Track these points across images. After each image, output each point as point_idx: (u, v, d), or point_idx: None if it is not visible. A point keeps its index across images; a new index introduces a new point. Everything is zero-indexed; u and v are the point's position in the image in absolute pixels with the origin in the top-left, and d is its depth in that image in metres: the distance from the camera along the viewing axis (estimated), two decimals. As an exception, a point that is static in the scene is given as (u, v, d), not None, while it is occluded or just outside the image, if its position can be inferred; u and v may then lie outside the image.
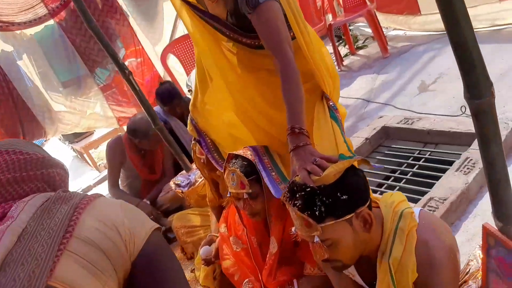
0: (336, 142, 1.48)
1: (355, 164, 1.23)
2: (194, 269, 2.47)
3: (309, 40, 1.54)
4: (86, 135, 5.79)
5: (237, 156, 1.64)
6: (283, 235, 1.66)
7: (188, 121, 2.10)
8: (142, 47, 4.73)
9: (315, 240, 1.13)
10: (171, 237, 2.95)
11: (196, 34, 1.69)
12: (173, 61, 4.79)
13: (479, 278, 1.27)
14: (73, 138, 5.80)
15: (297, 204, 1.12)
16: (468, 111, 2.64)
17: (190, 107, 2.06)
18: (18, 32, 4.33)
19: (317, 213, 1.09)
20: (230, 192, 1.64)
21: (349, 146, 1.51)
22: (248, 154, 1.63)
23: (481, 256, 1.23)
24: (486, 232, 1.17)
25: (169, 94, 3.22)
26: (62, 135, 5.87)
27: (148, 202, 3.10)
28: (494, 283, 1.20)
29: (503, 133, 2.20)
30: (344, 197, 1.09)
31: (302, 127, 1.29)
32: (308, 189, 1.11)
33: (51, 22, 4.35)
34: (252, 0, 1.42)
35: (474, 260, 1.34)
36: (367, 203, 1.15)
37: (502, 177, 1.12)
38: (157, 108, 3.31)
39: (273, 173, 1.56)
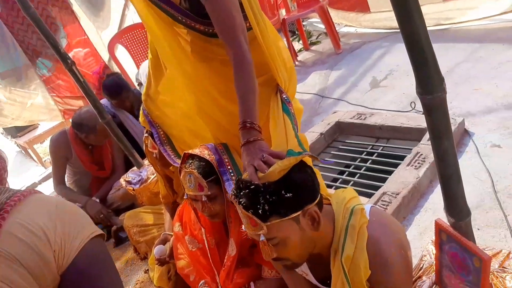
0: (286, 136, 1.44)
1: (308, 161, 1.20)
2: (148, 269, 2.39)
3: (266, 31, 1.49)
4: (30, 129, 5.46)
5: (193, 156, 1.55)
6: (242, 237, 1.61)
7: (140, 112, 2.00)
8: (88, 37, 4.49)
9: (261, 239, 1.09)
10: (123, 236, 2.84)
11: (149, 19, 1.58)
12: (121, 52, 4.60)
13: (433, 274, 1.29)
14: (16, 132, 5.46)
15: (242, 202, 1.09)
16: (418, 107, 2.72)
17: (142, 97, 1.96)
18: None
19: (260, 211, 1.06)
20: (187, 194, 1.57)
21: (302, 141, 1.48)
22: (206, 154, 1.55)
23: (434, 251, 1.25)
24: (439, 228, 1.19)
25: (117, 87, 3.08)
26: (3, 129, 5.55)
27: (98, 200, 2.95)
28: (447, 278, 1.22)
29: (451, 129, 2.27)
30: (288, 194, 1.06)
31: (254, 122, 1.25)
32: (252, 186, 1.08)
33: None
34: None
35: (427, 255, 1.36)
36: (315, 201, 1.11)
37: (453, 172, 1.13)
38: (104, 100, 3.15)
39: (233, 177, 1.50)
